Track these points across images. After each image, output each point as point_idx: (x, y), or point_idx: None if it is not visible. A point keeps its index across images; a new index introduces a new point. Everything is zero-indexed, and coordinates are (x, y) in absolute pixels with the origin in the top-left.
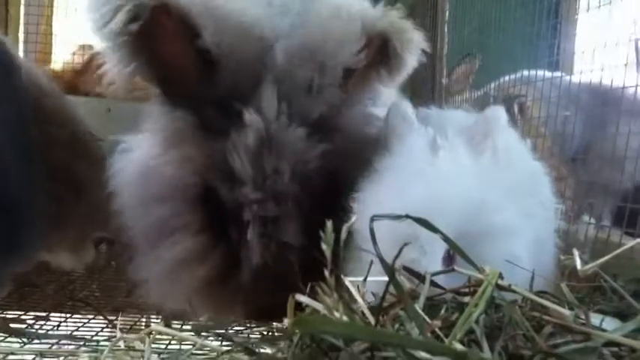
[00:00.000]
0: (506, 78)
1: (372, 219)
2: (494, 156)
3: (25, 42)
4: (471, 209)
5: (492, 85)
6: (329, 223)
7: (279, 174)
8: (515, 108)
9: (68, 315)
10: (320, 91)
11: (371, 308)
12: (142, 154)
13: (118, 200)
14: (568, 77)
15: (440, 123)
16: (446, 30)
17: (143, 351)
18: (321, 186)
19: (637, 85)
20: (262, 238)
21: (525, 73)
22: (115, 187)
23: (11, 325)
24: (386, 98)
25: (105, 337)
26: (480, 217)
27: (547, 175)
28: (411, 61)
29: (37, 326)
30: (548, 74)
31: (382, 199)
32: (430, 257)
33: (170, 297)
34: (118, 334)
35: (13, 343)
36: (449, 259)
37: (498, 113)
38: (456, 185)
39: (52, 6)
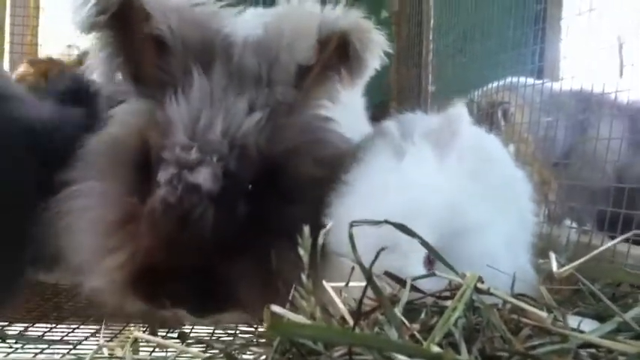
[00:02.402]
0: (490, 85)
1: (352, 224)
2: (462, 155)
3: (11, 52)
4: (440, 212)
5: (477, 92)
6: (306, 229)
7: (211, 126)
8: (499, 114)
9: (53, 325)
10: (270, 85)
11: (350, 312)
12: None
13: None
14: (551, 83)
15: (410, 127)
16: (431, 37)
17: (124, 358)
18: (257, 166)
19: (617, 91)
20: (172, 179)
21: (509, 80)
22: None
23: None
24: (348, 99)
25: (89, 347)
26: (451, 217)
27: (525, 182)
28: (373, 62)
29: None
30: (531, 80)
31: (351, 213)
32: (412, 262)
33: (78, 242)
34: (101, 341)
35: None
36: (429, 263)
37: (460, 111)
38: (422, 192)
39: (37, 16)
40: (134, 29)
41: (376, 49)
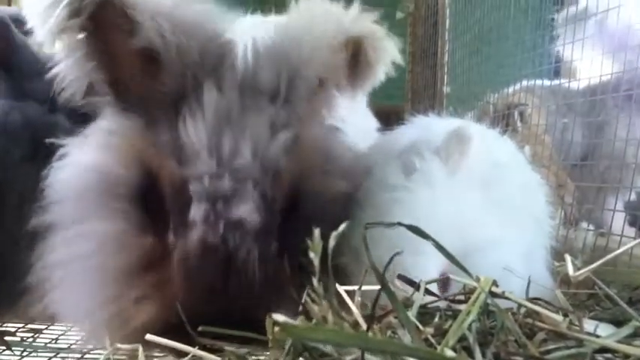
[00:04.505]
0: (507, 90)
1: (366, 227)
2: (472, 168)
3: None
4: (448, 235)
5: (493, 94)
6: (317, 232)
7: (238, 149)
8: (516, 115)
9: (68, 327)
10: (288, 101)
11: (363, 316)
12: (79, 154)
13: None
14: (568, 84)
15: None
16: (446, 38)
17: None
18: (287, 192)
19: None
20: (208, 215)
21: (525, 82)
22: (52, 197)
23: (7, 338)
24: (349, 110)
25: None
26: (460, 240)
27: (541, 185)
28: (381, 71)
29: (31, 339)
30: (547, 82)
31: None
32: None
33: (84, 295)
34: (109, 345)
35: (11, 356)
36: (442, 286)
37: (469, 131)
38: (430, 210)
39: None
40: (113, 36)
41: (387, 58)
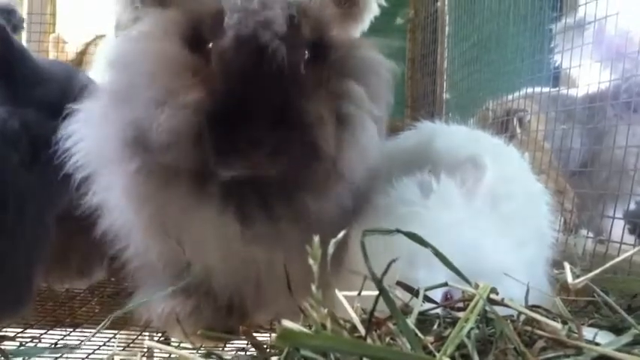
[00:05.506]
0: (506, 97)
1: (364, 233)
2: (486, 199)
3: None
4: (462, 256)
5: (493, 100)
6: (316, 239)
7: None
8: (515, 121)
9: (66, 333)
10: None
11: (362, 322)
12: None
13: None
14: (567, 90)
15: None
16: (446, 45)
17: None
18: (314, 31)
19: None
20: (240, 20)
21: (525, 89)
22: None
23: (5, 343)
24: None
25: (102, 354)
26: (468, 264)
27: (545, 196)
28: (374, 5)
29: (32, 343)
30: (546, 89)
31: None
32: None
33: (143, 82)
34: (115, 350)
35: None
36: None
37: (484, 159)
38: (447, 232)
39: (54, 23)
40: None
41: None
